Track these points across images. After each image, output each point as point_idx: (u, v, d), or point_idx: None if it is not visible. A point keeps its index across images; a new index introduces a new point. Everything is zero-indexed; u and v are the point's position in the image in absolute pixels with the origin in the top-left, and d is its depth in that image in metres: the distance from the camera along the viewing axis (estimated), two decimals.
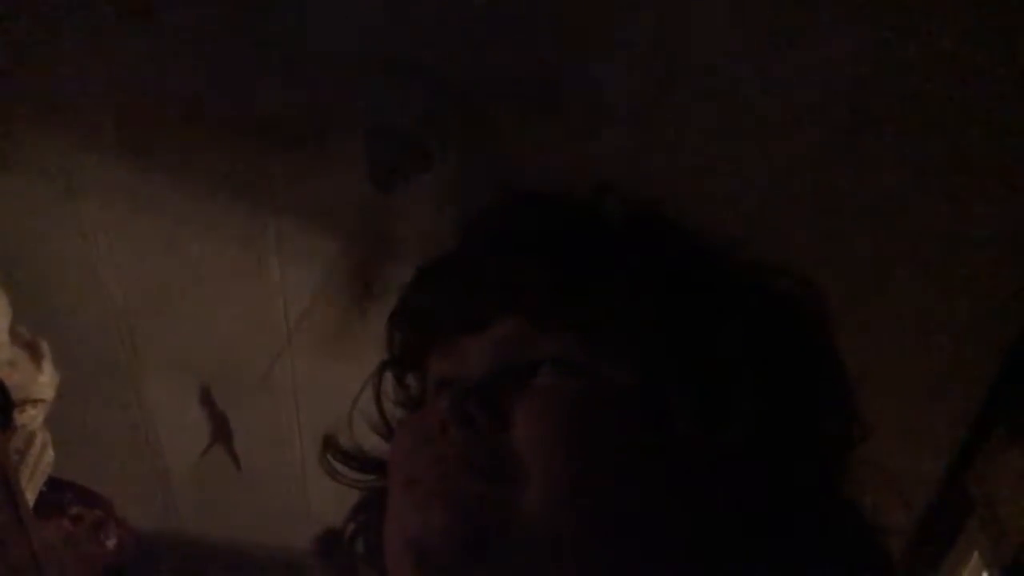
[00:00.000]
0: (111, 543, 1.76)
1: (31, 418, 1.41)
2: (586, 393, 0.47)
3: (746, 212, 1.23)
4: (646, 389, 0.47)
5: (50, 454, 1.47)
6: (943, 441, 1.49)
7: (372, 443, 0.58)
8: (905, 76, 1.08)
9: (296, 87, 1.26)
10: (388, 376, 0.58)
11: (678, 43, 1.13)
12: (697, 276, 0.51)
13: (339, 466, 0.57)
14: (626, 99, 1.21)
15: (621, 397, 0.47)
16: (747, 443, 0.45)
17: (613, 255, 0.51)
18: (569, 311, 0.49)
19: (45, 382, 1.44)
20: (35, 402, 1.42)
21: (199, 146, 1.35)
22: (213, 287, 1.54)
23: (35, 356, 1.43)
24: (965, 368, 1.40)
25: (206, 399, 1.76)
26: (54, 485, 1.57)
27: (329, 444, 0.58)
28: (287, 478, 1.85)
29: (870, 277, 1.31)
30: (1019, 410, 1.41)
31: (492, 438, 0.46)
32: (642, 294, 0.49)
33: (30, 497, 1.40)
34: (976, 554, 1.53)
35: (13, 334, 1.41)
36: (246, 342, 1.63)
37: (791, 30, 1.07)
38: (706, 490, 0.45)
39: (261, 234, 1.45)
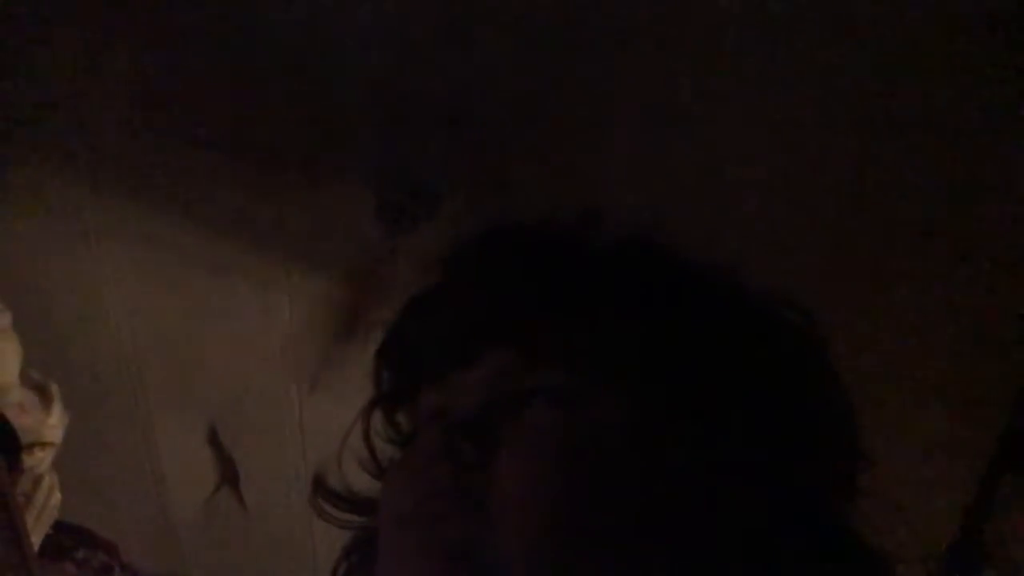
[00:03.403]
0: None
1: (39, 460, 1.41)
2: (575, 428, 0.45)
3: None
4: (637, 422, 0.46)
5: (57, 497, 1.47)
6: (957, 484, 1.48)
7: (364, 483, 0.57)
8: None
9: (306, 128, 1.28)
10: (378, 414, 0.57)
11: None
12: (691, 305, 0.49)
13: (328, 507, 0.56)
14: (634, 137, 1.22)
15: (611, 431, 0.45)
16: (741, 478, 0.44)
17: (604, 284, 0.50)
18: (559, 343, 0.48)
19: (54, 425, 1.44)
20: (44, 445, 1.42)
21: (209, 188, 1.36)
22: (222, 328, 1.55)
23: (45, 399, 1.43)
24: (978, 410, 1.39)
25: (213, 441, 1.76)
26: (60, 528, 1.56)
27: (319, 485, 0.57)
28: (293, 520, 1.84)
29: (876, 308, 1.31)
30: None
31: (480, 474, 0.45)
32: (634, 324, 0.47)
33: (36, 540, 1.39)
34: None
35: (23, 376, 1.41)
36: (254, 383, 1.63)
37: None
38: (697, 526, 0.44)
39: (271, 275, 1.46)
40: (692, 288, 0.50)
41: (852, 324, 1.27)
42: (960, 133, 1.10)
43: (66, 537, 1.64)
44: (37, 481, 1.42)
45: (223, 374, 1.63)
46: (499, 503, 0.44)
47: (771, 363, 0.48)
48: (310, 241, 1.41)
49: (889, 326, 1.28)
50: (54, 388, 1.44)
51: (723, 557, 0.43)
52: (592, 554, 0.43)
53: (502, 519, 0.43)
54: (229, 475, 1.82)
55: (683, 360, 0.47)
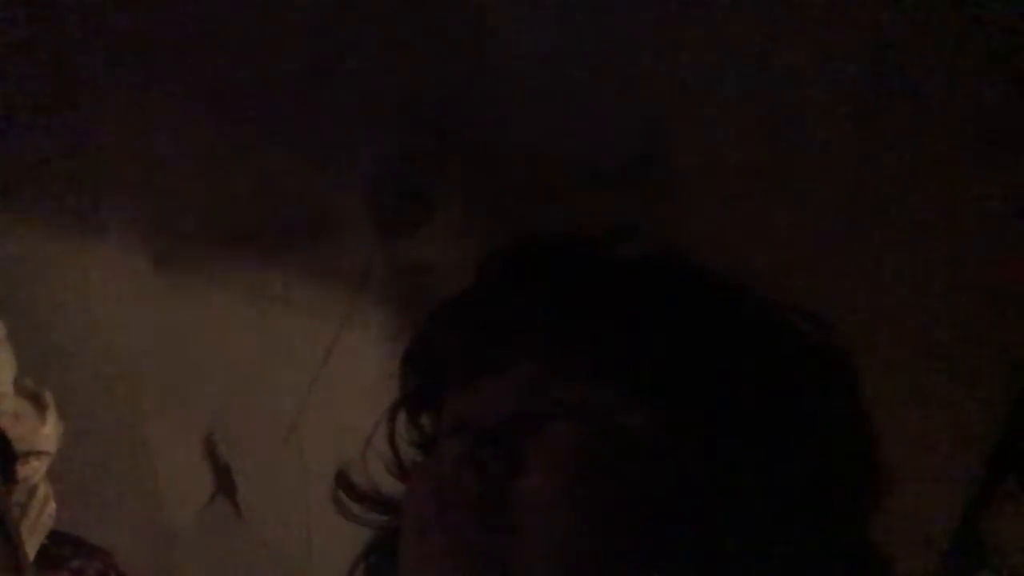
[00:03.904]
0: None
1: (34, 470, 1.40)
2: (599, 442, 0.46)
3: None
4: (661, 439, 0.46)
5: (52, 507, 1.46)
6: (955, 490, 1.48)
7: (387, 482, 0.58)
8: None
9: (300, 133, 1.28)
10: (402, 415, 0.58)
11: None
12: (717, 323, 0.50)
13: (352, 504, 0.57)
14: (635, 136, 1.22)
15: (635, 445, 0.46)
16: (762, 491, 0.45)
17: (632, 298, 0.50)
18: (586, 357, 0.48)
19: (48, 434, 1.43)
20: (38, 454, 1.42)
21: (206, 193, 1.36)
22: (218, 335, 1.54)
23: (39, 408, 1.43)
24: (977, 415, 1.39)
25: (210, 449, 1.75)
26: (55, 538, 1.55)
27: (341, 480, 0.57)
28: (290, 530, 1.83)
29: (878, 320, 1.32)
30: None
31: (504, 486, 0.46)
32: (660, 340, 0.48)
33: (31, 550, 1.39)
34: None
35: (17, 386, 1.40)
36: (251, 392, 1.62)
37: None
38: (720, 544, 0.44)
39: (267, 282, 1.45)
40: (718, 306, 0.51)
41: (850, 324, 1.28)
42: (960, 133, 1.10)
43: (61, 547, 1.63)
44: (32, 491, 1.41)
45: (219, 382, 1.62)
46: (522, 515, 0.45)
47: (795, 381, 0.49)
48: (305, 247, 1.41)
49: (887, 326, 1.28)
50: (48, 396, 1.44)
51: (747, 573, 0.44)
52: (614, 569, 0.44)
53: (525, 531, 0.44)
54: (225, 484, 1.81)
55: (708, 378, 0.47)
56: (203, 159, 1.32)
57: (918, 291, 1.23)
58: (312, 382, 1.54)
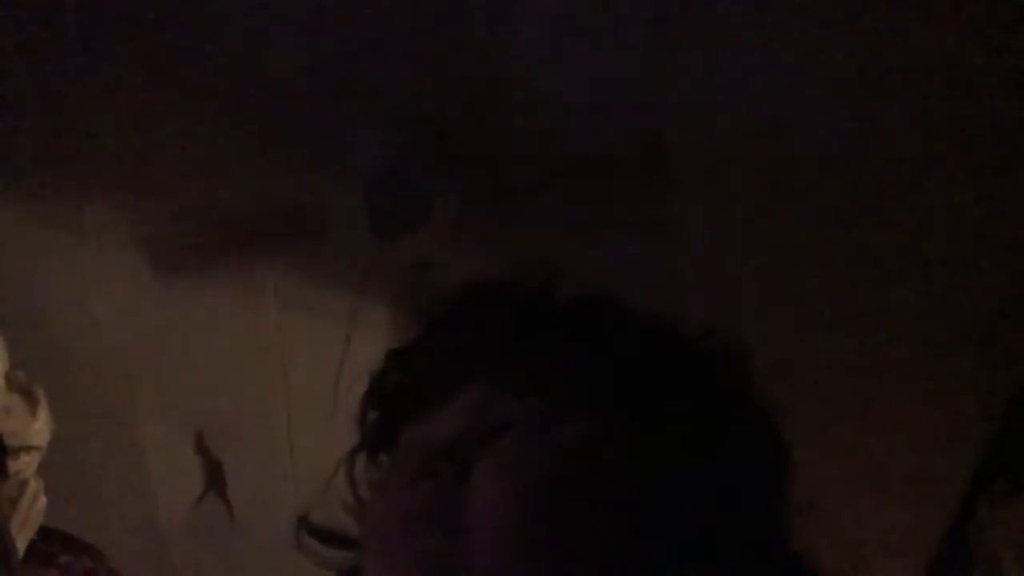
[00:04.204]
0: None
1: (25, 465, 1.39)
2: (539, 451, 0.52)
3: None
4: (592, 446, 0.52)
5: (42, 502, 1.46)
6: (944, 495, 1.48)
7: (349, 521, 0.62)
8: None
9: (297, 133, 1.28)
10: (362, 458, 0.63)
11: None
12: (636, 346, 0.57)
13: (315, 544, 0.61)
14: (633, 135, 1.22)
15: (570, 455, 0.52)
16: (688, 493, 0.51)
17: (564, 330, 0.58)
18: (527, 379, 0.54)
19: (40, 429, 1.43)
20: (29, 449, 1.41)
21: (201, 193, 1.36)
22: (210, 333, 1.54)
23: (31, 402, 1.42)
24: (966, 420, 1.39)
25: (201, 446, 1.75)
26: (44, 534, 1.54)
27: (303, 523, 0.62)
28: (281, 526, 1.83)
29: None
30: (1021, 462, 1.40)
31: (456, 492, 0.51)
32: (588, 363, 0.55)
33: (20, 546, 1.38)
34: None
35: (9, 380, 1.40)
36: (243, 389, 1.62)
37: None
38: (649, 536, 0.50)
39: (261, 280, 1.45)
40: (637, 332, 0.59)
41: (848, 324, 1.28)
42: (960, 133, 1.11)
43: (51, 543, 1.62)
44: (22, 486, 1.40)
45: (211, 379, 1.62)
46: (474, 521, 0.49)
47: (703, 391, 0.57)
48: (301, 246, 1.40)
49: (887, 326, 1.28)
50: (40, 391, 1.43)
51: (673, 564, 0.50)
52: (555, 561, 0.49)
53: (477, 536, 0.49)
54: (216, 481, 1.81)
55: (629, 392, 0.54)
56: (202, 158, 1.32)
57: (918, 291, 1.23)
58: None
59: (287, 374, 1.56)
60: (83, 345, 1.57)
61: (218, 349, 1.56)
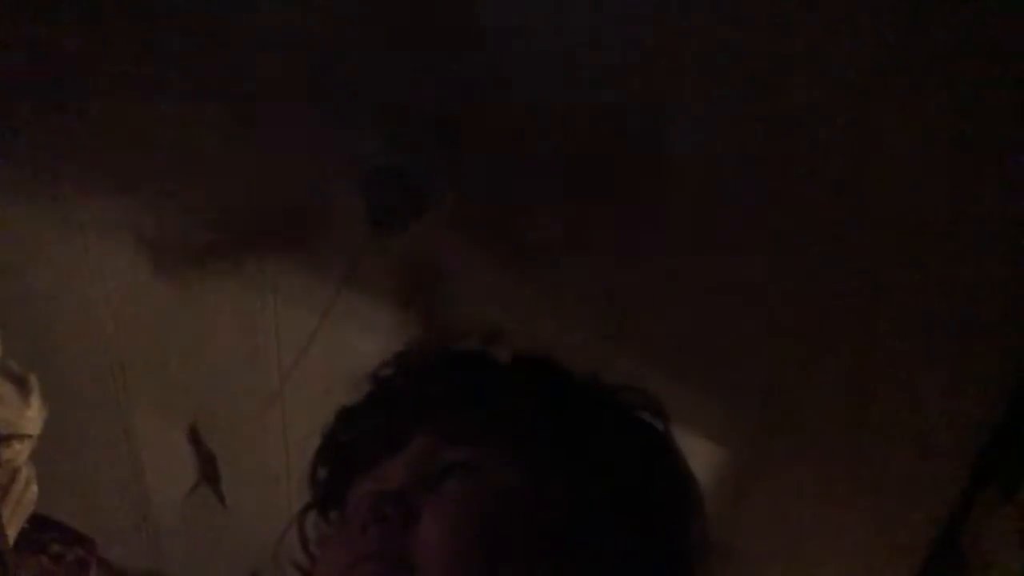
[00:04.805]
0: None
1: (16, 453, 1.39)
2: (481, 494, 0.56)
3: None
4: (528, 487, 0.57)
5: (34, 490, 1.45)
6: (936, 500, 1.48)
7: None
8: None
9: (295, 129, 1.27)
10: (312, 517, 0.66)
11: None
12: (565, 399, 0.63)
13: None
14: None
15: (508, 495, 0.57)
16: (615, 529, 0.57)
17: (502, 384, 0.63)
18: (469, 428, 0.59)
19: (32, 417, 1.43)
20: (21, 437, 1.41)
21: (199, 187, 1.36)
22: (205, 325, 1.54)
23: (23, 390, 1.42)
24: (958, 425, 1.39)
25: (194, 437, 1.74)
26: (36, 522, 1.54)
27: None
28: (274, 519, 1.82)
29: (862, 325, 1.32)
30: (1013, 468, 1.40)
31: (404, 534, 0.54)
32: (523, 413, 0.60)
33: (11, 533, 1.38)
34: None
35: (2, 368, 1.39)
36: (237, 380, 1.61)
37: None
38: (579, 562, 0.56)
39: (256, 273, 1.44)
40: (567, 387, 0.65)
41: (846, 324, 1.28)
42: (960, 133, 1.10)
43: (43, 532, 1.62)
44: (14, 474, 1.40)
45: (206, 371, 1.61)
46: (422, 560, 0.53)
47: (622, 437, 0.63)
48: (297, 240, 1.40)
49: (887, 326, 1.28)
50: (33, 379, 1.43)
51: None
52: None
53: (424, 571, 0.53)
54: (209, 472, 1.81)
55: (562, 441, 0.60)
56: (199, 154, 1.32)
57: (918, 291, 1.23)
58: (291, 369, 1.54)
59: (283, 369, 1.56)
60: (77, 335, 1.56)
61: (212, 342, 1.56)
